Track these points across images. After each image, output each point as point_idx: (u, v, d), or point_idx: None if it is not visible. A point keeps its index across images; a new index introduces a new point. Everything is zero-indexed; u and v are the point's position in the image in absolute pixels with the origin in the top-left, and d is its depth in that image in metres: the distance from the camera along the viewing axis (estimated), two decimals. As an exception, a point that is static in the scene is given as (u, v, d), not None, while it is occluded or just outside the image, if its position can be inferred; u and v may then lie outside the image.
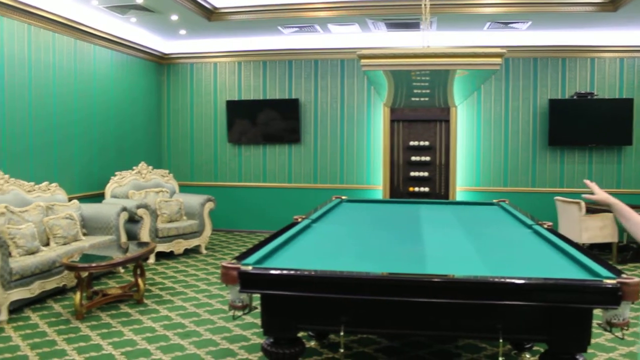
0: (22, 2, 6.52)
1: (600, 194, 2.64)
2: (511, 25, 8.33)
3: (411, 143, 9.14)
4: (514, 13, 7.69)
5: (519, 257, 3.30)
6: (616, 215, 2.51)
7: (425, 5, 4.52)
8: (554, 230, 3.97)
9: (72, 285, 5.99)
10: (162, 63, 10.14)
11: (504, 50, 3.17)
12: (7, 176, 6.25)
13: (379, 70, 3.34)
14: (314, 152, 9.73)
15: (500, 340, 2.58)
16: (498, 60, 3.16)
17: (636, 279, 2.48)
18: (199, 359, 4.23)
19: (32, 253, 5.69)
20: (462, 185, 9.25)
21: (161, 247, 7.68)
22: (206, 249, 8.46)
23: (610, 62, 9.11)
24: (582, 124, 8.94)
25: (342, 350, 3.05)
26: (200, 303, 5.74)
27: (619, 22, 8.07)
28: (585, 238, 7.70)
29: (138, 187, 8.26)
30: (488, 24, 8.25)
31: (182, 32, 8.99)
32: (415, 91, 4.83)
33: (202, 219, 8.29)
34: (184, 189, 9.50)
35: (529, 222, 4.35)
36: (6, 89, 6.45)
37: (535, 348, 4.24)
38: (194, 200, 8.38)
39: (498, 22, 8.18)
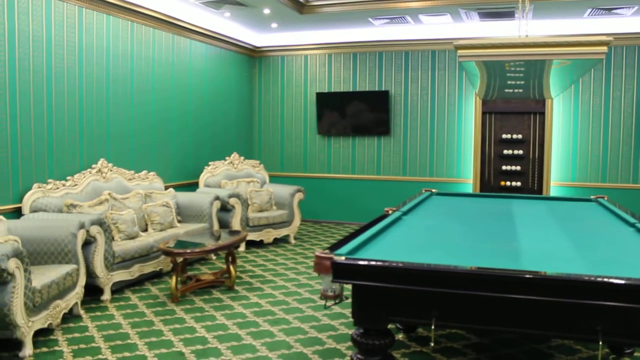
0: (127, 0, 6.86)
1: None
2: (615, 11, 7.90)
3: (503, 136, 8.88)
4: (619, -3, 7.28)
5: (621, 256, 3.15)
6: None
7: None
8: (659, 229, 3.76)
9: (168, 270, 6.31)
10: (254, 56, 10.37)
11: (610, 38, 3.03)
12: (110, 164, 6.63)
13: (476, 60, 3.27)
14: (403, 144, 9.66)
15: (600, 343, 2.48)
16: (604, 48, 3.02)
17: None
18: (288, 346, 4.32)
19: (132, 238, 6.01)
20: (556, 180, 8.90)
21: (252, 236, 7.88)
22: (295, 238, 8.61)
23: None
24: (692, 116, 8.38)
25: (432, 344, 3.03)
26: (289, 292, 5.86)
27: None
28: (693, 238, 7.22)
29: (230, 177, 8.51)
30: (589, 10, 7.86)
31: (274, 25, 9.16)
32: (509, 82, 4.70)
33: (292, 209, 8.43)
34: (274, 179, 9.71)
35: (632, 220, 4.14)
36: (111, 84, 6.83)
37: (636, 354, 4.03)
38: (283, 190, 8.54)
39: (600, 8, 7.77)
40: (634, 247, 3.38)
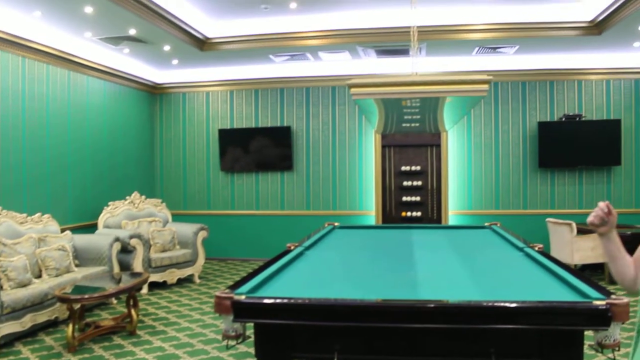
0: (17, 35, 6.60)
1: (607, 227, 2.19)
2: (499, 50, 8.46)
3: (403, 168, 9.21)
4: (502, 38, 7.82)
5: (511, 281, 3.32)
6: (608, 243, 2.20)
7: (413, 32, 4.60)
8: (545, 253, 4.00)
9: (64, 318, 5.96)
10: (154, 93, 10.22)
11: (490, 77, 3.24)
12: (-1, 208, 6.27)
13: (368, 98, 3.39)
14: (306, 178, 9.78)
15: (494, 364, 2.59)
16: (485, 86, 3.23)
17: (625, 300, 2.50)
18: (194, 390, 4.20)
19: (24, 285, 5.67)
20: (454, 209, 9.30)
21: (154, 277, 7.66)
22: (199, 278, 8.44)
23: (596, 84, 9.25)
24: (571, 145, 9.05)
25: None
26: (194, 333, 5.71)
27: (604, 45, 8.22)
28: (577, 259, 7.73)
29: (131, 217, 8.26)
30: (476, 49, 8.38)
31: (175, 62, 9.09)
32: (405, 117, 4.89)
33: (196, 248, 8.28)
34: (177, 218, 9.50)
35: (521, 244, 4.37)
36: (0, 121, 6.50)
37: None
38: (187, 229, 8.38)
39: (486, 47, 8.31)
40: (523, 271, 3.57)
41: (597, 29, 7.55)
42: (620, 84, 9.24)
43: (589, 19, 7.45)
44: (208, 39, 8.21)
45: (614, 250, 2.18)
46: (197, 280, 8.29)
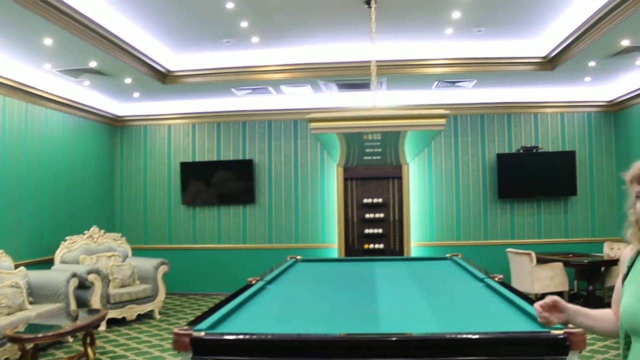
0: (-29, 68, 6.49)
1: (563, 314, 2.07)
2: (458, 84, 8.67)
3: (365, 200, 9.25)
4: (460, 73, 8.02)
5: (472, 312, 3.34)
6: (576, 321, 2.10)
7: (373, 67, 4.68)
8: (504, 283, 4.05)
9: (16, 359, 5.74)
10: (115, 125, 10.11)
11: (447, 112, 3.31)
12: (-51, 245, 6.06)
13: (328, 132, 3.42)
14: (268, 212, 9.74)
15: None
16: (442, 121, 3.29)
17: (581, 329, 2.54)
18: None
19: (-25, 325, 5.46)
20: (416, 240, 9.37)
21: (113, 314, 7.46)
22: (160, 313, 8.25)
23: (552, 117, 9.53)
24: (529, 176, 9.26)
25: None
26: (154, 371, 5.57)
27: (558, 80, 8.50)
28: (537, 288, 7.84)
29: (89, 251, 8.07)
30: (436, 83, 8.57)
31: (136, 94, 9.04)
32: (366, 150, 4.94)
33: (156, 283, 8.13)
34: (137, 252, 9.30)
35: (481, 275, 4.42)
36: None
37: None
38: (147, 263, 8.23)
39: (445, 81, 8.50)
40: (483, 302, 3.61)
41: (550, 65, 7.81)
42: (574, 117, 9.53)
43: (543, 54, 7.71)
44: (170, 72, 8.21)
45: (588, 323, 2.09)
46: (158, 316, 8.11)
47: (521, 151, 9.40)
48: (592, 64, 7.62)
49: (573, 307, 2.08)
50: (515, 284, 8.10)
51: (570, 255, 8.50)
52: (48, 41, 6.16)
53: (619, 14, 5.83)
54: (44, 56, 6.78)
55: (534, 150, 9.35)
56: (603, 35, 6.34)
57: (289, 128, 9.81)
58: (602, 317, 2.08)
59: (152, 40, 7.33)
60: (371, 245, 9.18)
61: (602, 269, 8.23)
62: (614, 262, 8.10)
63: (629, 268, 1.96)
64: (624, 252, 2.07)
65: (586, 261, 7.95)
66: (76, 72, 7.57)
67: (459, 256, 5.85)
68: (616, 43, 6.69)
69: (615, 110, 9.45)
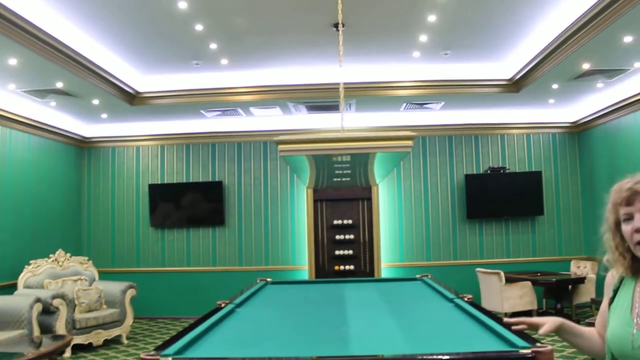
0: None
1: (548, 324, 2.11)
2: (426, 105, 8.78)
3: (335, 222, 9.26)
4: (428, 95, 8.14)
5: (442, 332, 3.35)
6: (564, 335, 2.13)
7: (341, 89, 4.72)
8: (474, 303, 4.07)
9: (-23, 389, 5.57)
10: (82, 147, 9.97)
11: (414, 133, 3.34)
12: None
13: (295, 155, 3.43)
14: (238, 234, 9.68)
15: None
16: (409, 142, 3.32)
17: (549, 347, 2.56)
18: None
19: None
20: (386, 261, 9.39)
21: (79, 339, 7.29)
22: (127, 338, 8.09)
23: (518, 138, 9.70)
24: (497, 196, 9.38)
25: None
26: (120, 398, 5.44)
27: (523, 102, 8.68)
28: (507, 307, 7.91)
29: (54, 275, 7.89)
30: (404, 104, 8.67)
31: (104, 116, 8.95)
32: (335, 172, 4.96)
33: (124, 307, 7.98)
34: (104, 276, 9.13)
35: (451, 295, 4.44)
36: None
37: None
38: (114, 287, 8.08)
39: (413, 103, 8.61)
40: (452, 322, 3.62)
41: (515, 87, 7.98)
42: (539, 138, 9.72)
43: (508, 77, 7.88)
44: (138, 93, 8.15)
45: (573, 339, 2.12)
46: (125, 341, 7.95)
47: (488, 172, 9.53)
48: (555, 86, 7.81)
49: (564, 324, 2.11)
50: (485, 303, 8.17)
51: (539, 274, 8.61)
52: (12, 61, 6.08)
53: (578, 39, 6.00)
54: (8, 76, 6.68)
55: (501, 171, 9.50)
56: (565, 59, 6.52)
57: (259, 150, 9.81)
58: (589, 336, 2.11)
59: (120, 61, 7.29)
60: (342, 267, 9.17)
61: (570, 287, 8.36)
62: (581, 280, 8.24)
63: (615, 292, 1.98)
64: (607, 277, 2.08)
65: (554, 279, 8.07)
66: (42, 93, 7.47)
67: (429, 277, 5.87)
68: (577, 66, 6.88)
69: (578, 131, 9.67)
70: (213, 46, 6.77)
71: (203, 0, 5.51)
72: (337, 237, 9.24)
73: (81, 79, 6.79)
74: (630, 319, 1.85)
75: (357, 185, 7.18)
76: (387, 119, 9.29)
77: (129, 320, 8.04)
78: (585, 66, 6.88)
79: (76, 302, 7.55)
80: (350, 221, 9.27)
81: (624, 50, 6.32)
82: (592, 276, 8.39)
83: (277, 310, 4.45)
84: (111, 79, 7.27)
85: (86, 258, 8.74)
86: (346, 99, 8.06)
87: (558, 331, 2.10)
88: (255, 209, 9.72)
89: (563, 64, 6.73)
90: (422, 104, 8.71)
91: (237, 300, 4.43)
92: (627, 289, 1.93)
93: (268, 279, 5.99)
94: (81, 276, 8.11)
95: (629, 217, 1.85)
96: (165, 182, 9.87)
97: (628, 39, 5.91)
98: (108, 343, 7.82)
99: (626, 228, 1.86)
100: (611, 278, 2.04)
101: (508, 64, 7.70)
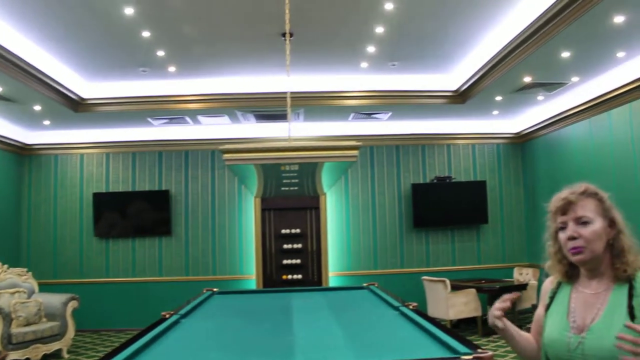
0: None
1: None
2: (374, 115, 8.89)
3: (283, 231, 9.25)
4: (376, 105, 8.24)
5: (386, 340, 3.38)
6: (507, 333, 2.16)
7: (288, 99, 4.73)
8: (418, 311, 4.13)
9: None
10: (23, 154, 9.66)
11: (359, 143, 3.38)
12: None
13: (240, 164, 3.41)
14: (185, 243, 9.54)
15: None
16: (354, 152, 3.36)
17: (490, 353, 2.62)
18: None
19: None
20: (334, 270, 9.43)
21: (15, 355, 7.01)
22: (69, 352, 7.85)
23: (463, 148, 9.91)
24: (443, 206, 9.55)
25: None
26: (60, 413, 5.27)
27: (468, 113, 8.89)
28: (452, 314, 8.04)
29: (-9, 288, 7.61)
30: (352, 114, 8.75)
31: (46, 122, 8.70)
32: (283, 181, 4.96)
33: (65, 320, 7.74)
34: (45, 287, 8.82)
35: (396, 303, 4.49)
36: None
37: None
38: (55, 299, 7.83)
39: (361, 113, 8.69)
40: (398, 330, 3.66)
41: (461, 98, 8.16)
42: (484, 148, 9.97)
43: (454, 88, 8.05)
44: (83, 99, 7.96)
45: (515, 339, 2.17)
46: (66, 355, 7.71)
47: (435, 181, 9.71)
48: (499, 98, 8.03)
49: (506, 321, 2.15)
50: (431, 310, 8.28)
51: (483, 281, 8.79)
52: (-52, 66, 5.86)
53: (519, 53, 6.20)
54: (-56, 82, 6.43)
55: (447, 180, 9.68)
56: (507, 72, 6.72)
57: (207, 158, 9.71)
58: (527, 339, 2.18)
59: (63, 67, 7.12)
60: (290, 276, 9.16)
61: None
62: (524, 286, 8.46)
63: (551, 299, 2.07)
64: (544, 284, 2.17)
65: (497, 286, 8.25)
66: (-20, 99, 7.22)
67: (376, 285, 5.91)
68: (519, 79, 7.10)
69: (521, 142, 9.96)
70: (160, 53, 6.69)
71: (150, 7, 5.44)
72: (285, 246, 9.23)
73: (21, 83, 6.58)
74: (567, 323, 1.94)
75: (304, 194, 7.21)
76: (336, 128, 9.36)
77: (71, 333, 7.81)
78: (527, 79, 7.10)
79: (13, 316, 7.28)
80: (298, 230, 9.27)
81: (563, 65, 6.57)
82: (533, 282, 8.63)
83: (223, 320, 4.40)
84: (54, 84, 7.07)
85: (25, 269, 8.43)
86: (294, 109, 8.09)
87: (504, 328, 2.14)
88: (202, 218, 9.61)
89: (506, 77, 6.94)
90: (370, 114, 8.82)
91: (183, 311, 4.36)
92: (564, 294, 2.03)
93: (215, 289, 5.92)
94: (19, 288, 7.83)
95: (564, 226, 1.95)
96: (111, 190, 9.66)
97: (566, 54, 6.14)
98: (47, 358, 7.56)
99: (562, 236, 1.96)
100: (549, 284, 2.13)
101: (454, 76, 7.88)
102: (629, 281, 1.86)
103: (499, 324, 2.10)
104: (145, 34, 6.03)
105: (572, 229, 1.91)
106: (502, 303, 2.10)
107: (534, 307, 8.42)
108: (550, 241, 2.06)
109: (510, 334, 2.16)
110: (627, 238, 1.91)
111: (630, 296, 1.82)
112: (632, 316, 1.78)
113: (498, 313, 2.09)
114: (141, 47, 6.47)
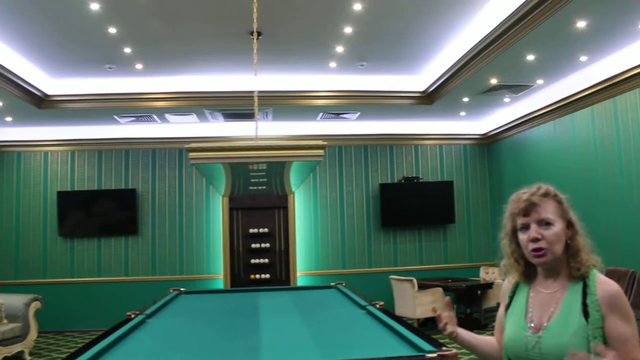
0: None
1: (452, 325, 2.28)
2: (342, 115, 8.91)
3: (251, 230, 9.22)
4: (344, 105, 8.26)
5: (352, 339, 3.39)
6: (460, 338, 2.27)
7: (255, 97, 4.71)
8: (385, 310, 4.15)
9: None
10: (-16, 152, 9.44)
11: (325, 143, 3.39)
12: None
13: (206, 163, 3.39)
14: (152, 243, 9.44)
15: None
16: (320, 152, 3.37)
17: (454, 351, 2.65)
18: None
19: None
20: (302, 269, 9.43)
21: (-25, 357, 6.88)
22: (31, 354, 7.69)
23: (431, 148, 10.01)
24: (411, 205, 9.63)
25: None
26: (22, 416, 5.16)
27: (436, 114, 8.98)
28: (419, 313, 8.11)
29: (-50, 289, 7.41)
30: (321, 114, 8.76)
31: (8, 119, 8.51)
32: (250, 180, 4.94)
33: (27, 321, 7.58)
34: (6, 288, 8.65)
35: (363, 302, 4.51)
36: None
37: None
38: (17, 300, 7.66)
39: (330, 113, 8.71)
40: (364, 329, 3.68)
41: (429, 99, 8.24)
42: (451, 149, 10.08)
43: (422, 89, 8.13)
44: (47, 96, 7.81)
45: (471, 343, 2.25)
46: (28, 357, 7.55)
47: (403, 181, 9.78)
48: (466, 99, 8.13)
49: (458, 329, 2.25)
50: (398, 309, 8.34)
51: (450, 280, 8.89)
52: None
53: (486, 55, 6.29)
54: None
55: (415, 181, 9.77)
56: (474, 74, 6.81)
57: (174, 157, 9.62)
58: (487, 342, 2.24)
59: (25, 62, 6.96)
60: (257, 275, 9.13)
61: (479, 292, 8.68)
62: (489, 285, 8.59)
63: (510, 299, 2.11)
64: (503, 284, 2.21)
65: (464, 285, 8.35)
66: (-61, 95, 7.03)
67: (343, 284, 5.93)
68: (486, 81, 7.20)
69: (488, 143, 10.10)
70: (127, 50, 6.60)
71: (117, 3, 5.37)
72: (253, 245, 9.20)
73: (-17, 80, 6.44)
74: (525, 323, 1.97)
75: (272, 193, 7.19)
76: (304, 128, 9.36)
77: (33, 334, 7.65)
78: (493, 81, 7.20)
79: (-26, 317, 7.12)
80: (266, 229, 9.25)
81: (528, 68, 6.68)
82: (499, 281, 8.76)
83: (189, 320, 4.37)
84: (16, 79, 6.91)
85: (-14, 269, 8.26)
86: (263, 108, 8.06)
87: (457, 334, 2.22)
88: (169, 217, 9.52)
89: (473, 79, 7.03)
90: (338, 114, 8.84)
91: (148, 311, 4.31)
92: (522, 294, 2.07)
93: (181, 289, 5.88)
94: (-19, 289, 7.66)
95: (526, 227, 1.97)
96: (76, 189, 9.50)
97: (531, 57, 6.25)
98: None
99: (522, 237, 1.99)
100: (508, 284, 2.17)
101: (422, 77, 7.95)
102: (583, 280, 1.90)
103: (450, 328, 2.16)
104: (112, 30, 5.95)
105: (535, 230, 1.94)
106: (442, 313, 2.23)
107: (499, 305, 8.55)
108: (506, 240, 2.11)
109: (466, 340, 2.23)
110: (582, 238, 1.96)
111: (585, 294, 1.86)
112: (585, 314, 1.81)
113: (442, 325, 2.16)
114: (107, 43, 6.37)
